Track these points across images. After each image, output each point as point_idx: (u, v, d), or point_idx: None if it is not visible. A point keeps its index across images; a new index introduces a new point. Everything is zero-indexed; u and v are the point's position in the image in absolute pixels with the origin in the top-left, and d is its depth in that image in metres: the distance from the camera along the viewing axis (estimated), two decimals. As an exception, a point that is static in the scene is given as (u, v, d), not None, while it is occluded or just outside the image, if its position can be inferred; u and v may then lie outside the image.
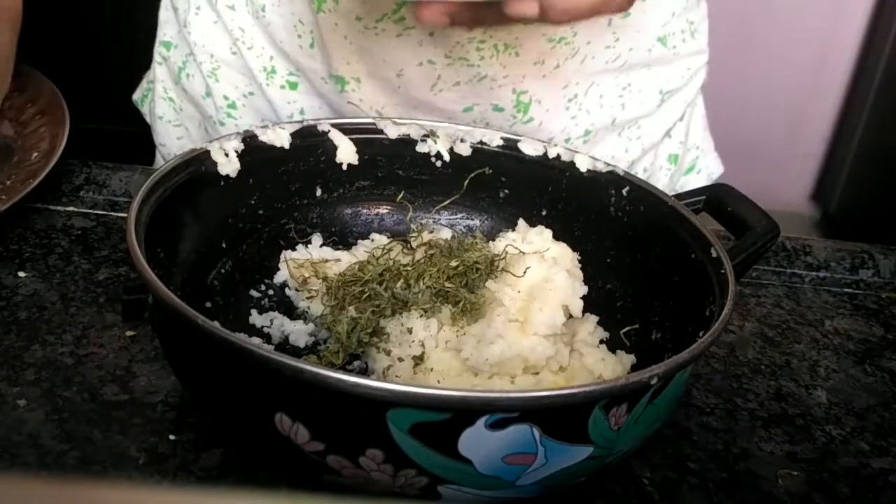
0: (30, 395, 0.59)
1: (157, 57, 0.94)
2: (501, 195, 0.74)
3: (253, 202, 0.69)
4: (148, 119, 0.99)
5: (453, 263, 0.65)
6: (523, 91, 0.81)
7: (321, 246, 0.71)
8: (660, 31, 0.85)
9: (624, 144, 0.88)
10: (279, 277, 0.69)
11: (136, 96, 1.00)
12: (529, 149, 0.72)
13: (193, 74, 0.90)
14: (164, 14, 0.93)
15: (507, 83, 0.80)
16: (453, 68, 0.78)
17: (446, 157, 0.73)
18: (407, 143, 0.73)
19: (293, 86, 0.85)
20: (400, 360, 0.61)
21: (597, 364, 0.61)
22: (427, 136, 0.73)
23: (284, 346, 0.64)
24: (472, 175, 0.73)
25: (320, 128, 0.71)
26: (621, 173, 0.70)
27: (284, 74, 0.85)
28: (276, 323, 0.65)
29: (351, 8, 0.77)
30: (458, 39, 0.77)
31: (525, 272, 0.62)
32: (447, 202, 0.74)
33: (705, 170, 0.96)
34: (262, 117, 0.87)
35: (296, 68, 0.84)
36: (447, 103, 0.81)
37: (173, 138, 0.94)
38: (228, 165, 0.67)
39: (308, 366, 0.47)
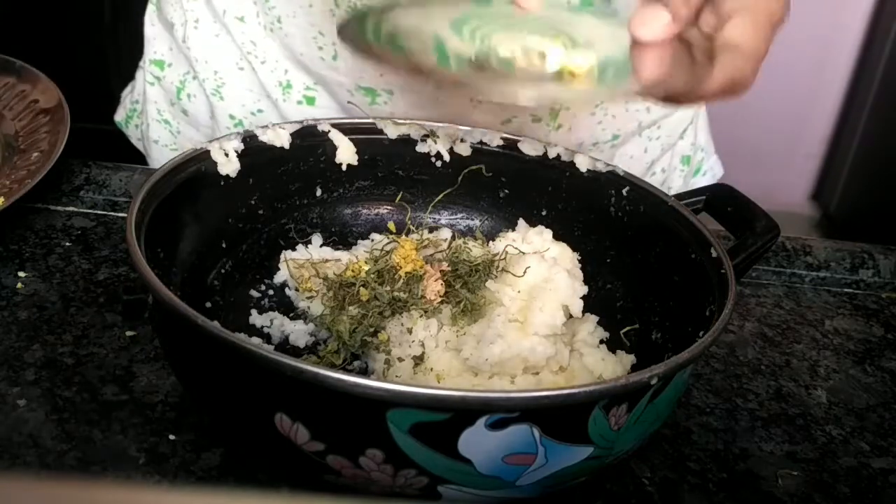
0: (30, 395, 0.59)
1: (147, 76, 0.89)
2: (501, 195, 0.74)
3: (253, 202, 0.69)
4: (136, 142, 0.96)
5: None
6: None
7: (321, 246, 0.71)
8: None
9: (644, 144, 0.88)
10: (279, 277, 0.69)
11: (119, 117, 0.96)
12: (529, 149, 0.72)
13: (195, 94, 0.86)
14: (151, 30, 0.89)
15: None
16: None
17: (446, 157, 0.73)
18: (407, 143, 0.73)
19: (310, 101, 0.83)
20: (400, 360, 0.61)
21: (597, 364, 0.61)
22: (427, 136, 0.73)
23: (284, 346, 0.64)
24: (471, 169, 0.72)
25: (320, 128, 0.71)
26: (621, 173, 0.70)
27: (301, 89, 0.82)
28: (276, 323, 0.65)
29: None
30: None
31: (525, 272, 0.62)
32: (441, 196, 0.73)
33: (710, 171, 0.96)
34: None
35: (315, 81, 0.82)
36: (486, 115, 0.78)
37: None
38: (228, 165, 0.67)
39: (308, 366, 0.47)
